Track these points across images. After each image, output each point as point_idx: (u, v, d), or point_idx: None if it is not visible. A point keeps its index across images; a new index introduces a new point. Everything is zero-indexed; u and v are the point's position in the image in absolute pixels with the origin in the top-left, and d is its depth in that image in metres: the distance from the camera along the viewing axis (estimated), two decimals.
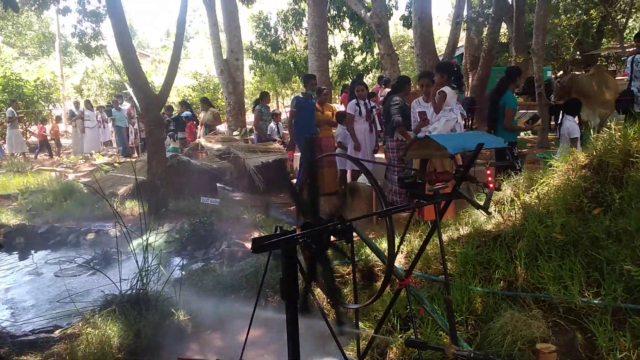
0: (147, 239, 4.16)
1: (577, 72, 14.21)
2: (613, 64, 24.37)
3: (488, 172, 2.25)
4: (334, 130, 8.53)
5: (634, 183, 3.37)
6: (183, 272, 4.84)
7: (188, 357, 3.35)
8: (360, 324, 3.61)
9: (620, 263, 2.93)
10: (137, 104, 7.36)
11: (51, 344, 3.60)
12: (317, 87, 9.91)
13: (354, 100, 7.71)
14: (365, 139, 7.67)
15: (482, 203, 2.41)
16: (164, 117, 10.18)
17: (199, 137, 11.80)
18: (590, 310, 2.84)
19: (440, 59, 12.67)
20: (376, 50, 19.01)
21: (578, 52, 23.88)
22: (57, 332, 3.87)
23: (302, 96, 8.20)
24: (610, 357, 2.58)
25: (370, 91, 15.19)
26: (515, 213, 3.72)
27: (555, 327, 2.89)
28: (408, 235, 4.48)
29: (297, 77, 22.97)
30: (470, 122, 15.00)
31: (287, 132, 11.96)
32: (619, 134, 3.69)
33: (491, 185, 2.24)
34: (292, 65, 21.84)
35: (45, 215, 7.70)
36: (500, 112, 6.14)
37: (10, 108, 15.81)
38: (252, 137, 12.37)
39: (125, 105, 15.89)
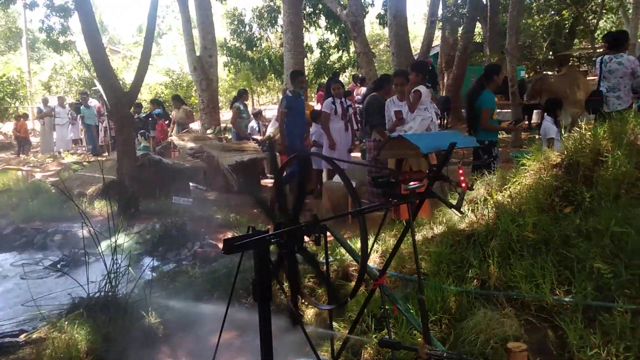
0: (116, 240, 4.05)
1: (548, 73, 14.49)
2: (585, 64, 24.92)
3: (460, 171, 2.24)
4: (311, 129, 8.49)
5: (604, 182, 3.41)
6: (154, 274, 4.74)
7: None
8: (335, 325, 3.58)
9: (590, 261, 2.96)
10: (107, 101, 7.19)
11: (16, 348, 3.48)
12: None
13: (330, 99, 7.66)
14: (340, 138, 7.64)
15: (455, 202, 2.41)
16: (133, 115, 9.95)
17: (171, 136, 11.63)
18: (561, 308, 2.87)
19: (416, 57, 12.74)
20: (352, 49, 19.04)
21: (551, 53, 24.35)
22: (22, 336, 3.74)
23: (291, 95, 7.87)
24: (580, 355, 2.59)
25: (346, 90, 15.18)
26: (488, 212, 3.74)
27: (527, 325, 2.90)
28: (383, 234, 4.47)
29: (273, 75, 22.84)
30: (445, 122, 15.15)
31: (266, 129, 11.85)
32: (589, 133, 3.74)
33: (464, 185, 2.24)
34: (267, 62, 21.70)
35: (11, 216, 7.48)
36: (478, 112, 6.09)
37: None
38: (230, 136, 12.24)
39: (93, 103, 15.55)
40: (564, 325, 2.72)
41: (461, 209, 2.47)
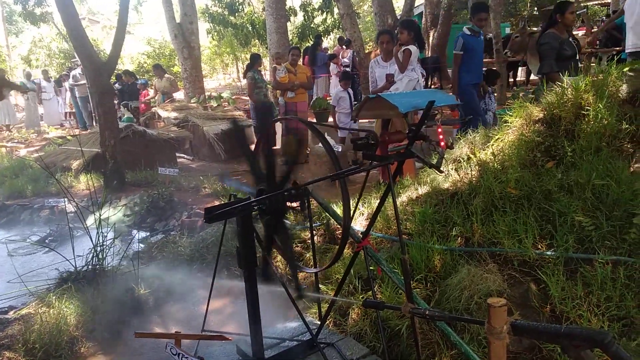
0: (101, 214, 4.03)
1: (533, 28, 14.33)
2: None
3: (439, 130, 2.22)
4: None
5: (585, 135, 3.41)
6: (142, 245, 4.74)
7: (147, 331, 3.30)
8: (322, 287, 3.62)
9: (571, 214, 2.98)
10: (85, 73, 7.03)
11: (5, 325, 3.50)
12: (290, 48, 9.46)
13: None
14: None
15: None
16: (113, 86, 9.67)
17: (155, 106, 11.43)
18: (543, 261, 2.90)
19: (399, 17, 12.53)
20: (336, 10, 18.65)
21: (535, 8, 24.02)
22: (11, 313, 3.76)
23: (469, 33, 6.23)
24: (562, 306, 2.64)
25: (331, 53, 14.92)
26: (471, 170, 3.74)
27: (510, 280, 2.94)
28: (369, 196, 4.48)
29: (257, 40, 22.41)
30: (431, 82, 14.99)
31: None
32: (571, 87, 3.72)
33: (442, 144, 2.22)
34: (250, 28, 21.25)
35: None
36: None
37: None
38: (215, 104, 12.05)
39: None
40: (546, 278, 2.76)
41: (442, 168, 2.46)
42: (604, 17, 15.49)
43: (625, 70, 3.74)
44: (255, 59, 9.52)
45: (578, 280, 2.72)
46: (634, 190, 2.94)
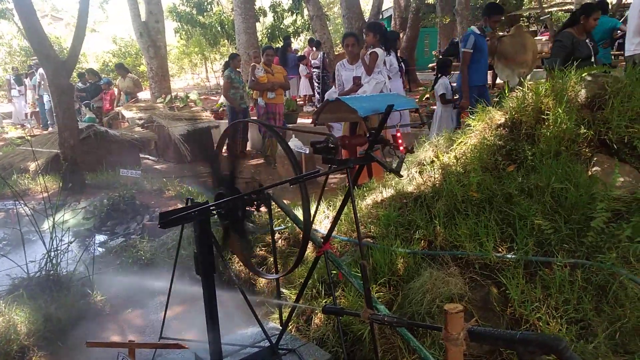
0: (55, 217, 3.88)
1: (500, 33, 14.59)
2: (534, 24, 25.26)
3: (398, 134, 2.20)
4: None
5: (545, 139, 3.46)
6: (101, 250, 4.59)
7: (102, 339, 3.18)
8: (285, 292, 3.58)
9: (531, 218, 3.01)
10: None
11: None
12: (263, 47, 9.34)
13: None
14: None
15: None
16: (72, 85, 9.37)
17: (119, 106, 11.17)
18: (503, 264, 2.91)
19: (367, 20, 12.58)
20: (306, 12, 18.63)
21: None
22: None
23: (478, 32, 6.16)
24: (522, 309, 2.66)
25: (301, 54, 14.89)
26: (434, 174, 3.75)
27: (471, 283, 2.95)
28: (335, 199, 4.45)
29: (226, 41, 22.21)
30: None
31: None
32: (532, 92, 3.76)
33: (402, 148, 2.20)
34: (219, 28, 21.04)
35: None
36: None
37: None
38: (181, 104, 11.82)
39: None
40: (506, 281, 2.77)
41: (404, 172, 2.45)
42: None
43: (583, 75, 3.81)
44: (233, 58, 9.21)
45: (537, 283, 2.74)
46: (592, 194, 2.99)
